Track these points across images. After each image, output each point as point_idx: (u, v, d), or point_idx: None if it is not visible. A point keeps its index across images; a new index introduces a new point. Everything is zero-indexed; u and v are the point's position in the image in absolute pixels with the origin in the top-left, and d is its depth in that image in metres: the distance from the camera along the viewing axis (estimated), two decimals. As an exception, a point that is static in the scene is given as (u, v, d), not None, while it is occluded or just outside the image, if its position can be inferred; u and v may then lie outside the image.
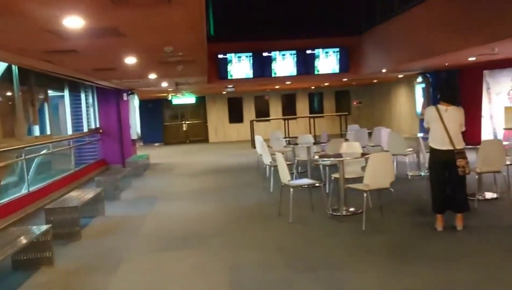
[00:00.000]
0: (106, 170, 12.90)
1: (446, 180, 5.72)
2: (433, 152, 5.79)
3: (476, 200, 6.84)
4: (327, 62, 15.51)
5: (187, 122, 24.00)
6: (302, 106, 24.23)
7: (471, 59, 11.41)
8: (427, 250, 5.14)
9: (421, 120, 16.55)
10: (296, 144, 10.53)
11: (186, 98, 22.31)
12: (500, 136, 12.09)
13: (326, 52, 15.44)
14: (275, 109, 23.97)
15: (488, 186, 7.56)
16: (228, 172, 12.37)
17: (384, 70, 14.02)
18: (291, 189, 6.70)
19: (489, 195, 7.33)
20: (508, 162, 7.08)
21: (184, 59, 7.65)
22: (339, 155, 7.35)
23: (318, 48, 15.29)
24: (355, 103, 24.01)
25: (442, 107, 5.70)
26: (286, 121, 20.63)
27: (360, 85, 23.18)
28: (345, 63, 15.50)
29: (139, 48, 6.56)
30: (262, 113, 23.48)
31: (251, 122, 19.67)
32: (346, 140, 10.64)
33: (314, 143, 10.16)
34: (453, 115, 5.67)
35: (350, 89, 24.03)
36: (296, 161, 10.10)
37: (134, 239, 6.39)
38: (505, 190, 7.33)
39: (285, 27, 15.49)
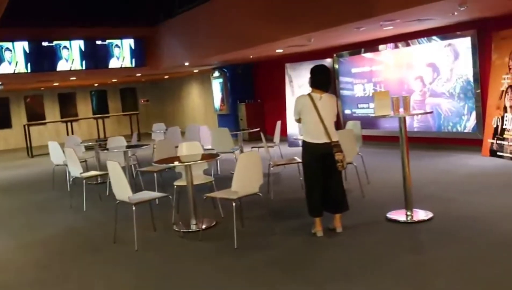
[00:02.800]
0: None
1: (322, 178, 5.01)
2: (307, 146, 5.02)
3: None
4: (121, 55, 13.82)
5: None
6: (84, 107, 21.66)
7: (279, 51, 11.29)
8: (328, 265, 4.30)
9: (220, 116, 16.15)
10: (103, 148, 8.82)
11: None
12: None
13: (120, 44, 13.74)
14: (52, 111, 20.87)
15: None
16: (9, 191, 9.76)
17: (187, 64, 13.07)
18: (134, 207, 5.16)
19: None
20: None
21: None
22: (178, 159, 6.10)
23: (111, 39, 13.48)
24: (142, 101, 22.57)
25: (315, 94, 4.96)
26: (68, 124, 18.06)
27: (148, 82, 21.82)
28: (141, 57, 14.04)
29: None
30: (36, 115, 20.13)
31: (25, 126, 16.49)
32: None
33: (129, 147, 8.57)
34: (328, 104, 4.98)
35: (137, 86, 22.45)
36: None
37: None
38: (349, 181, 7.13)
39: (72, 13, 13.14)
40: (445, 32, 9.16)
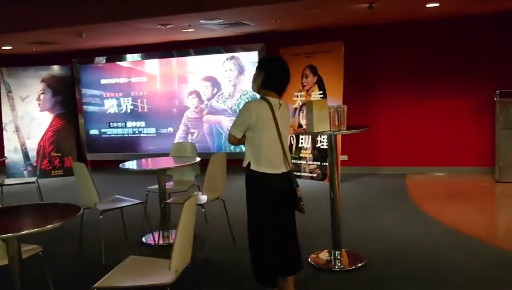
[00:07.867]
0: None
1: (278, 227, 3.34)
2: (261, 180, 3.23)
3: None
4: None
5: None
6: None
7: (6, 48, 8.15)
8: None
9: None
10: None
11: None
12: (32, 153, 9.31)
13: None
14: None
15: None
16: None
17: None
18: None
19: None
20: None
21: None
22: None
23: None
24: None
25: (274, 101, 3.26)
26: None
27: None
28: None
29: None
30: None
31: None
32: None
33: None
34: (286, 116, 3.37)
35: None
36: None
37: None
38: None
39: None
40: (229, 43, 8.37)
